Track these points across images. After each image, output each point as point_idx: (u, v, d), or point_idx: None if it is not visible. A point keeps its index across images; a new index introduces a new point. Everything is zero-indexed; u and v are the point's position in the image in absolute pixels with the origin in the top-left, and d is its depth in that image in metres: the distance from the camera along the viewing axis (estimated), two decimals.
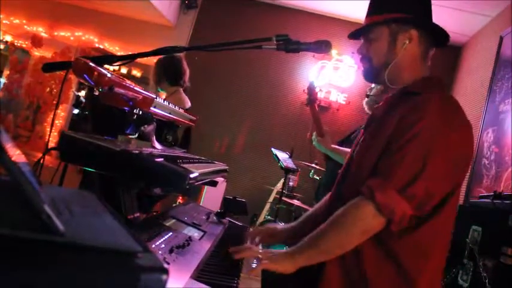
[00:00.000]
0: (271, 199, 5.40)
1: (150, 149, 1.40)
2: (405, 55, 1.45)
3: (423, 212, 1.27)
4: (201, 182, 1.55)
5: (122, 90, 1.29)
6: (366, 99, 3.08)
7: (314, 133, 2.70)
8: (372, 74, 1.53)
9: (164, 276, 0.53)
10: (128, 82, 1.37)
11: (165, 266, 0.55)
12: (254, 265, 1.36)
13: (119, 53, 6.44)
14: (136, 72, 6.73)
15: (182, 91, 3.39)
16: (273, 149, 4.53)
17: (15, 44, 7.11)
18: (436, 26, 1.46)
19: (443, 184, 1.28)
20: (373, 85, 3.01)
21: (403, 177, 1.23)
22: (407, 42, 1.44)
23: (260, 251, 1.37)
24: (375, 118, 1.53)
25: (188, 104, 3.36)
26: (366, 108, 3.10)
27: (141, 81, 6.70)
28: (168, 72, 3.33)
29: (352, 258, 1.32)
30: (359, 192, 1.28)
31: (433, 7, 1.52)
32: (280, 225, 1.79)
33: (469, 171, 4.19)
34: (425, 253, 1.31)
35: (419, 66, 1.48)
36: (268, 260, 1.31)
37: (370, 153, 1.38)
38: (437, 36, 1.50)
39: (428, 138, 1.24)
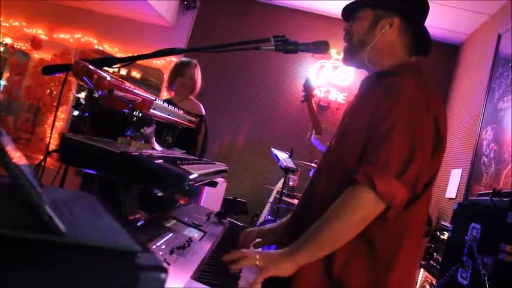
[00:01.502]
0: (271, 199, 5.40)
1: (150, 151, 1.42)
2: (383, 40, 1.48)
3: (415, 192, 1.29)
4: (200, 183, 1.57)
5: (121, 93, 1.30)
6: None
7: (313, 131, 2.70)
8: (349, 52, 1.56)
9: (163, 275, 0.54)
10: (127, 84, 1.39)
11: (165, 265, 0.56)
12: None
13: (118, 55, 6.45)
14: (135, 74, 6.74)
15: (193, 97, 3.46)
16: (272, 149, 4.54)
17: (15, 46, 7.12)
18: (423, 27, 1.49)
19: (429, 164, 1.31)
20: None
21: (397, 163, 1.24)
22: (387, 27, 1.47)
23: (257, 256, 1.30)
24: (351, 105, 1.57)
25: (203, 110, 3.44)
26: None
27: (141, 82, 6.71)
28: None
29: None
30: (352, 181, 1.27)
31: (431, 5, 1.54)
32: (268, 226, 1.77)
33: (468, 169, 4.20)
34: (401, 238, 1.34)
35: (400, 54, 1.50)
36: (267, 267, 1.26)
37: (350, 140, 1.39)
38: (421, 41, 1.52)
39: (409, 121, 1.27)
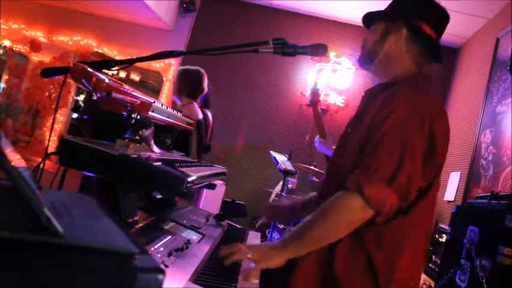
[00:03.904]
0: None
1: (148, 153, 1.42)
2: (390, 52, 1.52)
3: (407, 202, 1.31)
4: (199, 186, 1.57)
5: (119, 95, 1.31)
6: None
7: (317, 135, 2.72)
8: (361, 59, 1.62)
9: (160, 277, 0.54)
10: (126, 87, 1.39)
11: (162, 267, 0.57)
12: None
13: (117, 57, 6.46)
14: (135, 76, 6.74)
15: (195, 103, 3.50)
16: (271, 152, 4.55)
17: (14, 48, 7.12)
18: (431, 36, 1.50)
19: (423, 173, 1.32)
20: None
21: (387, 169, 1.26)
22: (394, 40, 1.51)
23: (249, 250, 1.36)
24: (356, 114, 1.59)
25: (199, 115, 3.49)
26: None
27: (140, 85, 6.71)
28: (186, 84, 3.49)
29: (325, 251, 1.35)
30: (342, 186, 1.31)
31: None
32: (288, 202, 1.83)
33: (467, 172, 4.21)
34: (399, 247, 1.35)
35: (407, 64, 1.52)
36: (260, 259, 1.32)
37: (348, 147, 1.43)
38: (431, 49, 1.53)
39: (402, 128, 1.29)
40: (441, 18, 1.54)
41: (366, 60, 1.59)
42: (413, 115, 1.32)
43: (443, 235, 3.64)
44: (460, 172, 4.42)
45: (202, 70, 3.58)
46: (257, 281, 1.34)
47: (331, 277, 1.35)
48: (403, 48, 1.51)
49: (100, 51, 6.75)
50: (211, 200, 4.37)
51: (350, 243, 1.34)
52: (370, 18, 1.62)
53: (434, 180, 1.40)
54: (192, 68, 3.59)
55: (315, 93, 2.76)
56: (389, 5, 1.59)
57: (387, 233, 1.34)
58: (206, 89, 3.60)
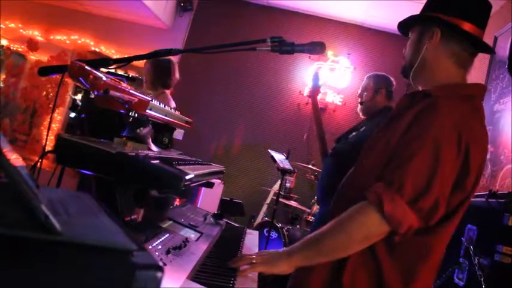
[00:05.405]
0: (268, 200, 5.40)
1: (146, 151, 1.41)
2: (428, 57, 1.40)
3: (429, 224, 1.23)
4: (197, 184, 1.56)
5: (117, 93, 1.30)
6: (360, 106, 3.00)
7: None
8: (403, 70, 1.50)
9: (159, 274, 0.54)
10: (124, 85, 1.39)
11: (160, 264, 0.56)
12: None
13: (115, 56, 6.45)
14: (132, 75, 6.74)
15: (168, 93, 3.55)
16: (269, 151, 4.54)
17: (11, 48, 7.11)
18: (464, 30, 1.35)
19: (452, 197, 1.24)
20: (360, 90, 3.00)
21: (413, 189, 1.18)
22: (427, 42, 1.39)
23: (254, 255, 1.34)
24: (387, 120, 1.47)
25: (173, 104, 3.49)
26: (361, 114, 3.03)
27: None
28: (161, 75, 3.51)
29: (336, 264, 1.29)
30: (364, 197, 1.23)
31: None
32: None
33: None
34: (413, 269, 1.28)
35: (447, 67, 1.39)
36: (262, 263, 1.29)
37: (375, 155, 1.34)
38: (473, 45, 1.39)
39: (436, 149, 1.19)
40: (479, 8, 1.40)
41: (407, 71, 1.46)
42: (450, 135, 1.20)
43: None
44: None
45: (173, 60, 3.60)
46: (255, 284, 1.33)
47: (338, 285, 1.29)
48: (440, 51, 1.38)
49: (97, 50, 6.73)
50: (209, 199, 4.37)
51: (362, 260, 1.27)
52: (405, 26, 1.50)
53: (461, 206, 1.29)
54: (165, 58, 3.58)
55: (315, 85, 2.73)
56: (423, 7, 1.45)
57: (401, 250, 1.26)
58: (178, 78, 3.63)
